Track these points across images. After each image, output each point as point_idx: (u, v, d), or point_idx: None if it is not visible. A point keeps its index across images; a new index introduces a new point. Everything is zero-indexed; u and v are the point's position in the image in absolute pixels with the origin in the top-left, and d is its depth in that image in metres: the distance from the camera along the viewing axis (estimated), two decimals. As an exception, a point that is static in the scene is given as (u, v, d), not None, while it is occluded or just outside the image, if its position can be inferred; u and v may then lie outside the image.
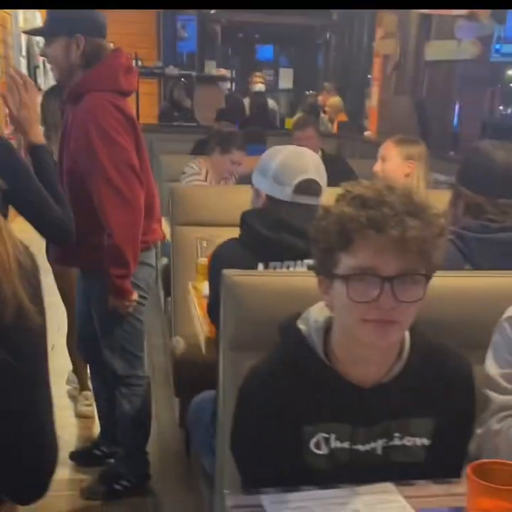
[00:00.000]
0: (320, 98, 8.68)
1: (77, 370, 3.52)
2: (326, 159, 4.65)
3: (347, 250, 1.25)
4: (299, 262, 1.98)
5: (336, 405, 1.36)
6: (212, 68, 8.34)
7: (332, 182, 2.87)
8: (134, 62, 6.47)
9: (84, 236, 2.52)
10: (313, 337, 1.38)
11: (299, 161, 2.09)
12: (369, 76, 8.34)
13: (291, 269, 1.99)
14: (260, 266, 1.98)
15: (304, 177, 2.06)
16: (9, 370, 0.88)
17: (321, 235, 1.30)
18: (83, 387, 3.49)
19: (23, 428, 0.95)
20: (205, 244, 2.61)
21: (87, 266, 2.64)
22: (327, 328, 1.38)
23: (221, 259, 1.97)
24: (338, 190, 1.33)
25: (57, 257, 2.74)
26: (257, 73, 8.43)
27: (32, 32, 3.35)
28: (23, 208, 2.21)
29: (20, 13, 7.82)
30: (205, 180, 3.96)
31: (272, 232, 1.98)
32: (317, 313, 1.40)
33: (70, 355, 3.48)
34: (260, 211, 2.08)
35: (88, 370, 3.28)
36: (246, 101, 7.20)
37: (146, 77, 6.93)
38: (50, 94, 3.33)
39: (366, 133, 7.49)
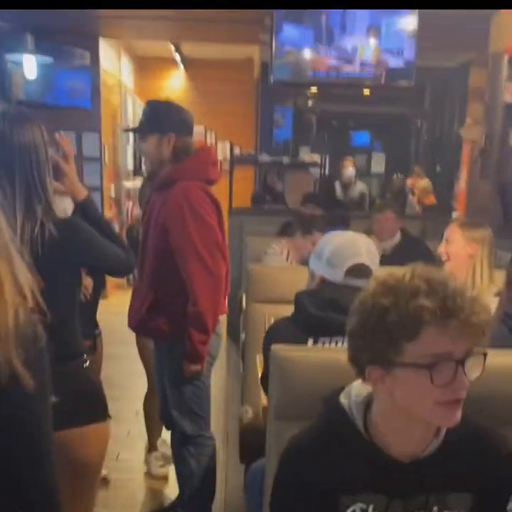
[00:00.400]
0: (409, 181, 8.76)
1: (148, 431, 3.65)
2: (406, 240, 4.76)
3: (414, 339, 1.26)
4: (345, 337, 2.05)
5: (373, 477, 1.38)
6: (306, 154, 8.58)
7: (410, 263, 2.99)
8: (229, 150, 6.78)
9: (162, 307, 2.74)
10: (354, 411, 1.41)
11: (351, 246, 2.19)
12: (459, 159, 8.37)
13: (339, 344, 2.06)
14: (310, 341, 2.07)
15: (355, 261, 2.16)
16: (3, 434, 0.91)
17: (381, 329, 1.29)
18: (152, 448, 3.62)
19: (19, 487, 0.94)
20: (271, 320, 2.73)
21: (161, 336, 2.81)
22: (368, 402, 1.42)
23: (273, 335, 2.09)
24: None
25: (134, 326, 2.92)
26: (347, 157, 8.64)
27: (130, 130, 3.67)
28: (97, 268, 2.47)
29: (130, 105, 8.32)
30: (287, 261, 4.09)
31: (321, 311, 2.07)
32: (359, 388, 1.44)
33: (145, 418, 3.63)
34: (312, 291, 2.19)
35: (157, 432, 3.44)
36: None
37: (241, 164, 7.23)
38: (146, 183, 3.66)
39: (454, 214, 7.48)
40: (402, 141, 10.75)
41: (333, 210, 5.13)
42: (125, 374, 4.64)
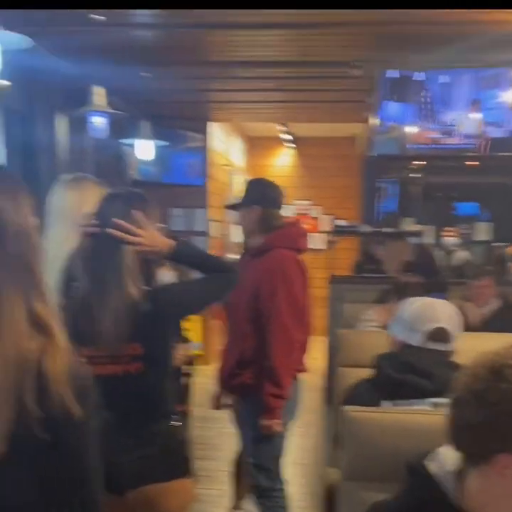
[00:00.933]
0: (509, 249, 8.44)
1: (234, 489, 3.64)
2: (505, 306, 4.59)
3: None
4: (423, 400, 1.99)
5: None
6: (410, 225, 8.49)
7: (509, 327, 2.98)
8: (332, 221, 6.85)
9: (249, 362, 2.86)
10: (447, 481, 1.30)
11: (431, 310, 2.16)
12: None
13: (415, 407, 1.99)
14: (384, 403, 2.02)
15: (434, 325, 2.12)
16: (54, 456, 1.01)
17: None
18: (236, 507, 3.63)
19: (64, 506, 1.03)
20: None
21: (245, 391, 2.91)
22: (461, 471, 1.29)
23: (349, 397, 2.06)
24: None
25: (222, 383, 3.05)
26: (448, 228, 8.49)
27: (227, 206, 3.89)
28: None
29: (238, 183, 8.54)
30: (381, 327, 4.02)
31: (399, 374, 2.03)
32: (450, 454, 1.32)
33: (232, 476, 3.62)
34: (392, 354, 2.15)
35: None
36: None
37: (344, 235, 7.28)
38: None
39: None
40: (506, 209, 10.43)
41: (431, 278, 5.06)
42: (220, 435, 4.68)
